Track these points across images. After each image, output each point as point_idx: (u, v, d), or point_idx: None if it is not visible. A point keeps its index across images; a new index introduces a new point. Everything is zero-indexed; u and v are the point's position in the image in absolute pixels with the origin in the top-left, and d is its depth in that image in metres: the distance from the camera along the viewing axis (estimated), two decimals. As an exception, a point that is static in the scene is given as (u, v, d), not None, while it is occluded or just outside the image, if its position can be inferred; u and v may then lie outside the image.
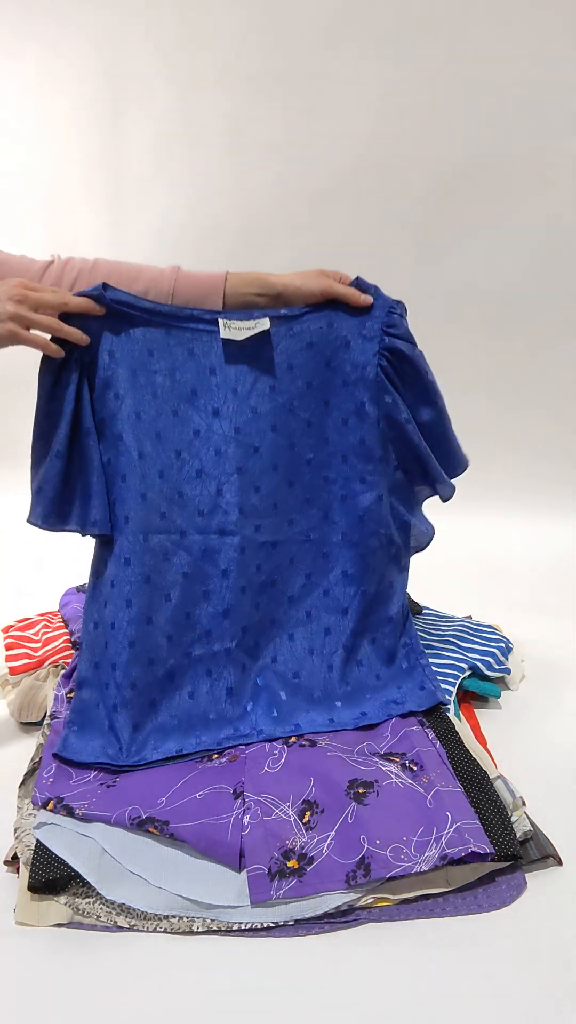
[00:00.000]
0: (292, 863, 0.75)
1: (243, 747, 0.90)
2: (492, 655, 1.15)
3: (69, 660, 1.13)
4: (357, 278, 1.04)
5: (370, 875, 0.73)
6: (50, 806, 0.81)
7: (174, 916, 0.72)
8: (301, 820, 0.79)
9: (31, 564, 1.77)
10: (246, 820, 0.77)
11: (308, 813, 0.80)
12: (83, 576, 1.29)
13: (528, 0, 1.68)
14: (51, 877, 0.73)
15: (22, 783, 0.89)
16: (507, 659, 1.17)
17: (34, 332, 0.86)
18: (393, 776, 0.84)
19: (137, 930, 0.71)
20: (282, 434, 1.01)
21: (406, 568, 1.12)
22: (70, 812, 0.80)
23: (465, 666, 1.11)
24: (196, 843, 0.76)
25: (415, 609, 1.33)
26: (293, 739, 0.93)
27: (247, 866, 0.74)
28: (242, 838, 0.76)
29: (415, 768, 0.87)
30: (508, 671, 1.15)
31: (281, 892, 0.72)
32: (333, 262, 1.90)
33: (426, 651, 1.15)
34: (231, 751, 0.90)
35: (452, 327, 1.93)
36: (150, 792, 0.83)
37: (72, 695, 1.02)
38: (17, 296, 0.83)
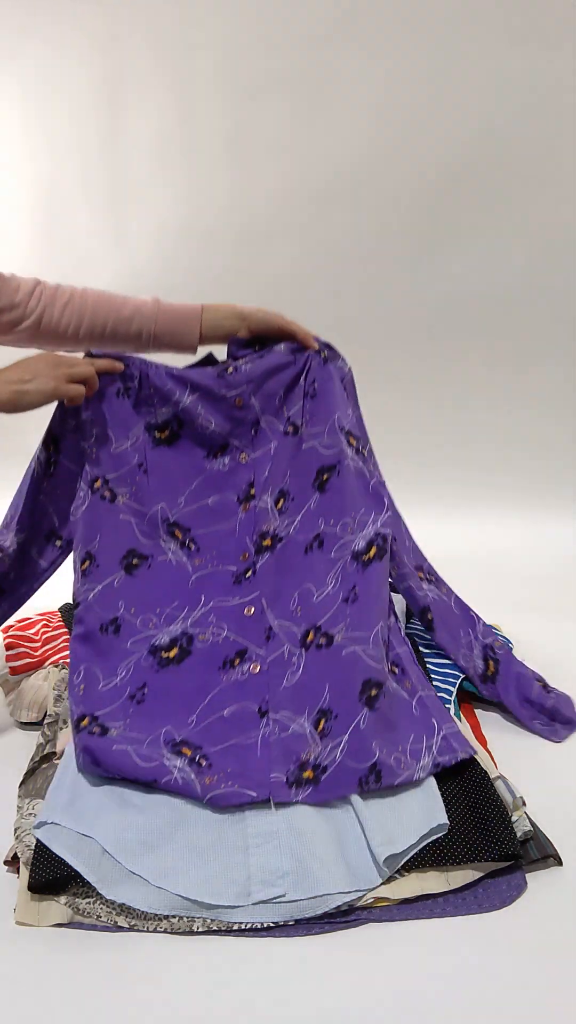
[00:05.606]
0: (308, 773, 0.82)
1: (262, 654, 0.93)
2: (492, 655, 1.15)
3: (69, 660, 1.13)
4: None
5: (381, 782, 0.78)
6: (84, 722, 0.83)
7: (174, 916, 0.72)
8: (316, 729, 0.84)
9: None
10: (270, 738, 0.84)
11: (323, 721, 0.85)
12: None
13: (527, 3, 1.68)
14: (51, 877, 0.73)
15: (22, 783, 0.89)
16: (507, 659, 1.17)
17: (73, 386, 0.97)
18: (391, 679, 0.90)
19: (137, 930, 0.71)
20: None
21: None
22: (105, 731, 0.82)
23: (465, 666, 1.11)
24: (224, 765, 0.81)
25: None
26: (311, 636, 0.94)
27: (269, 774, 0.81)
28: (267, 755, 0.83)
29: (396, 671, 0.91)
30: (508, 671, 1.15)
31: (300, 797, 0.79)
32: (332, 264, 1.91)
33: (427, 651, 1.14)
34: (252, 661, 0.92)
35: (451, 328, 1.93)
36: (179, 710, 0.87)
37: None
38: (55, 361, 0.96)
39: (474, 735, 0.98)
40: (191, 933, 0.71)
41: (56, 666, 1.12)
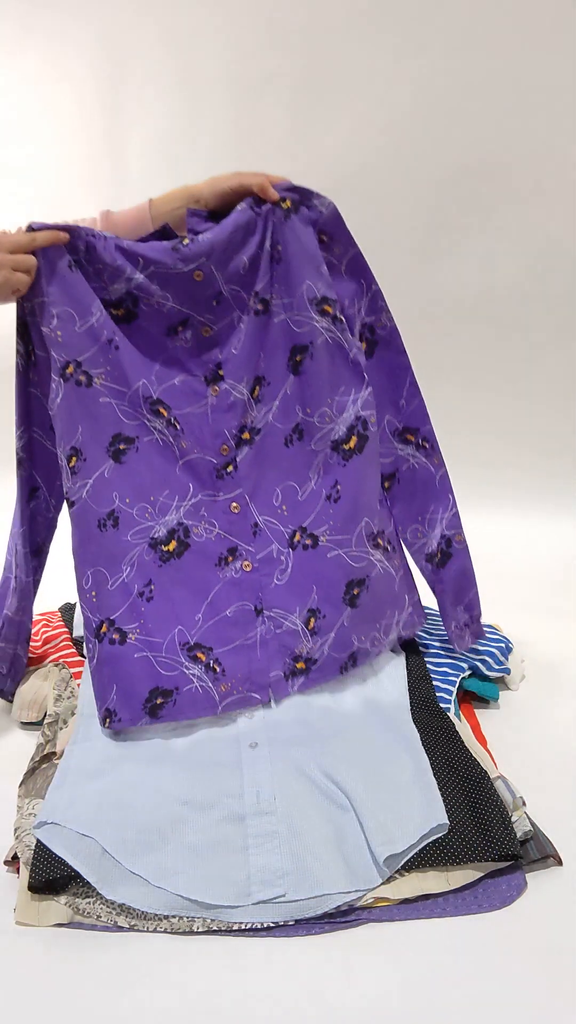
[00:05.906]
0: (300, 664, 0.96)
1: (252, 550, 0.99)
2: (492, 655, 1.15)
3: (69, 659, 1.13)
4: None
5: (356, 664, 0.96)
6: (103, 629, 0.86)
7: (174, 916, 0.72)
8: (307, 627, 0.94)
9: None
10: (267, 636, 0.95)
11: (312, 620, 0.95)
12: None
13: (528, 5, 1.68)
14: (51, 877, 0.73)
15: (22, 783, 0.89)
16: (507, 659, 1.17)
17: (20, 275, 0.89)
18: (378, 564, 0.98)
19: (137, 930, 0.71)
20: None
21: None
22: (123, 636, 0.85)
23: (465, 666, 1.11)
24: (235, 670, 0.93)
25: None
26: (297, 537, 0.99)
27: (269, 673, 0.95)
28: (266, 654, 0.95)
29: (390, 548, 1.00)
30: (508, 671, 1.15)
31: (295, 687, 0.94)
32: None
33: (425, 652, 1.15)
34: (243, 559, 0.98)
35: (454, 327, 1.93)
36: (186, 608, 0.94)
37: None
38: None
39: (474, 735, 0.98)
40: (191, 933, 0.71)
41: (56, 666, 1.13)
